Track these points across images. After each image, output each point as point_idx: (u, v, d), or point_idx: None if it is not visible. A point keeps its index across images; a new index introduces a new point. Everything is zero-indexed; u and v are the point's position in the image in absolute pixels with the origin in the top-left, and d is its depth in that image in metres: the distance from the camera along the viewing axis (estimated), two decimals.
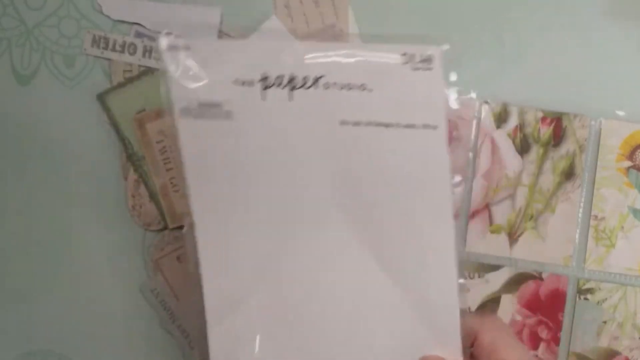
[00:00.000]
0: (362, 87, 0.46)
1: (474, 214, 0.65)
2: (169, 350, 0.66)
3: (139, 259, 0.66)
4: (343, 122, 0.47)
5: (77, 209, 0.66)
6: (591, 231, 0.65)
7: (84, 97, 0.66)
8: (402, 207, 0.48)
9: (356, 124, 0.46)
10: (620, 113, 0.64)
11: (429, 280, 0.48)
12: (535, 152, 0.65)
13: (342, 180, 0.48)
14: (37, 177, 0.66)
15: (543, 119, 0.64)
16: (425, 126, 0.46)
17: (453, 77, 0.48)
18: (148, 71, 0.65)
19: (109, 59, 0.66)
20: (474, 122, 0.65)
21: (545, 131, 0.64)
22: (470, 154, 0.65)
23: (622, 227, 0.64)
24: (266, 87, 0.46)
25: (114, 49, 0.65)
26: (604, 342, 0.64)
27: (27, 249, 0.67)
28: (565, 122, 0.64)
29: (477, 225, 0.65)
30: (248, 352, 0.50)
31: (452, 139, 0.65)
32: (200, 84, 0.46)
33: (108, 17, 0.65)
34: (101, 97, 0.65)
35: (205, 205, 0.48)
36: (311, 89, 0.46)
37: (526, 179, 0.65)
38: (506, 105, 0.64)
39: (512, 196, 0.65)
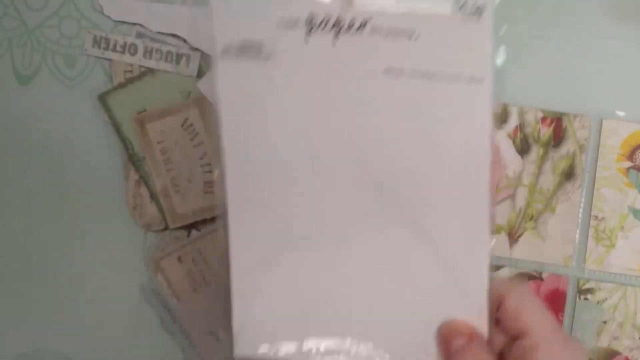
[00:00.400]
0: (410, 34, 0.44)
1: None
2: (170, 351, 0.66)
3: (139, 260, 0.66)
4: (387, 71, 0.45)
5: (78, 209, 0.66)
6: (591, 231, 0.65)
7: (84, 98, 0.66)
8: (440, 164, 0.46)
9: (400, 73, 0.45)
10: (620, 113, 0.64)
11: (461, 242, 0.47)
12: (535, 152, 0.65)
13: (379, 134, 0.46)
14: (38, 177, 0.66)
15: (543, 119, 0.64)
16: (471, 79, 0.45)
17: (503, 30, 0.47)
18: (149, 71, 0.65)
19: (109, 60, 0.66)
20: None
21: (546, 131, 0.65)
22: None
23: (622, 227, 0.64)
24: (311, 29, 0.44)
25: (114, 50, 0.65)
26: (604, 342, 0.65)
27: (28, 249, 0.67)
28: (565, 123, 0.64)
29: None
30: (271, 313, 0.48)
31: None
32: (244, 20, 0.44)
33: (109, 17, 0.65)
34: (102, 98, 0.65)
35: (239, 160, 0.46)
36: (357, 35, 0.44)
37: (526, 179, 0.65)
38: (506, 105, 0.65)
39: (512, 196, 0.65)
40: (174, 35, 0.65)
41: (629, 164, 0.64)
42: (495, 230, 0.65)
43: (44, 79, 0.66)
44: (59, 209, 0.66)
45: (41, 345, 0.67)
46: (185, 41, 0.65)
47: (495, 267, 0.65)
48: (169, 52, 0.65)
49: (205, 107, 0.64)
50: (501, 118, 0.65)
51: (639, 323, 0.65)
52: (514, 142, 0.65)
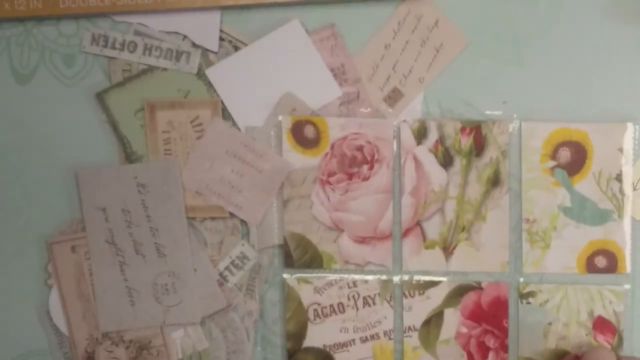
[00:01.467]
0: None
1: (406, 232, 0.65)
2: None
3: None
4: None
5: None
6: (524, 235, 0.65)
7: (82, 96, 0.66)
8: None
9: None
10: (538, 114, 0.65)
11: None
12: (458, 163, 0.65)
13: None
14: (36, 175, 0.66)
15: (462, 130, 0.65)
16: None
17: None
18: (147, 70, 0.65)
19: (108, 57, 0.65)
20: (394, 142, 0.65)
21: (466, 141, 0.65)
22: (395, 174, 0.65)
23: (555, 227, 0.65)
24: None
25: (113, 47, 0.65)
26: (551, 344, 0.65)
27: (28, 249, 0.66)
28: (484, 130, 0.65)
29: (411, 243, 0.65)
30: None
31: (375, 161, 0.65)
32: None
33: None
34: (100, 96, 0.65)
35: None
36: None
37: (453, 191, 0.65)
38: (424, 121, 0.65)
39: (441, 210, 0.65)
40: (173, 33, 0.65)
41: (553, 163, 0.65)
42: (430, 245, 0.65)
43: (42, 77, 0.66)
44: (59, 208, 0.66)
45: None
46: (184, 38, 0.65)
47: (434, 283, 0.65)
48: (168, 49, 0.65)
49: (217, 110, 0.65)
50: (420, 134, 0.65)
51: (584, 320, 0.65)
52: (436, 156, 0.65)
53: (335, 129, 0.65)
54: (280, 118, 0.65)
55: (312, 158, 0.65)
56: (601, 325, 0.65)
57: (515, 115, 0.65)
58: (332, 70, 0.65)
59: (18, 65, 0.66)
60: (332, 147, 0.65)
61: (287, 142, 0.65)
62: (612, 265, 0.65)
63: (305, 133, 0.65)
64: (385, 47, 0.65)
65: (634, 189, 0.64)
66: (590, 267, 0.65)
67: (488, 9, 0.65)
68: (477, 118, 0.65)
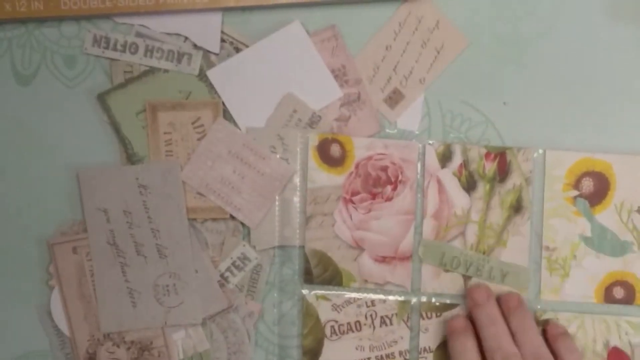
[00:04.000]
0: None
1: None
2: None
3: None
4: None
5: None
6: (544, 262, 0.64)
7: (84, 98, 0.66)
8: None
9: None
10: (564, 143, 0.65)
11: None
12: (482, 188, 0.65)
13: None
14: (38, 176, 0.67)
15: (487, 155, 0.64)
16: None
17: None
18: (149, 71, 0.66)
19: (109, 59, 0.66)
20: (419, 164, 0.65)
21: (490, 167, 0.64)
22: (418, 196, 0.65)
23: (575, 256, 0.64)
24: None
25: (114, 49, 0.66)
26: None
27: (29, 250, 0.67)
28: (509, 156, 0.64)
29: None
30: None
31: (399, 182, 0.65)
32: None
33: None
34: (101, 97, 0.66)
35: None
36: None
37: (475, 216, 0.65)
38: (449, 144, 0.64)
39: (462, 234, 0.65)
40: (175, 34, 0.65)
41: (575, 192, 0.64)
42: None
43: (43, 79, 0.66)
44: (58, 208, 0.67)
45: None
46: (186, 40, 0.65)
47: (452, 306, 0.65)
48: (170, 50, 0.65)
49: (218, 111, 0.65)
50: (445, 157, 0.65)
51: (599, 350, 0.64)
52: (459, 180, 0.65)
53: (360, 148, 0.65)
54: (307, 135, 0.65)
55: (336, 176, 0.65)
56: (616, 356, 0.64)
57: (540, 143, 0.65)
58: (333, 71, 0.65)
59: (19, 67, 0.66)
60: (357, 166, 0.65)
61: (313, 159, 0.65)
62: (630, 296, 0.64)
63: (331, 152, 0.65)
64: (386, 48, 0.65)
65: None
66: (608, 297, 0.64)
67: (489, 9, 0.64)
68: (479, 119, 0.65)
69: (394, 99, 0.65)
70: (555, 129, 0.65)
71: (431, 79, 0.65)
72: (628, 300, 0.64)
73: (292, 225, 0.66)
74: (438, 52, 0.65)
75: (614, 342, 0.64)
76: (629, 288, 0.64)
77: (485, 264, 0.64)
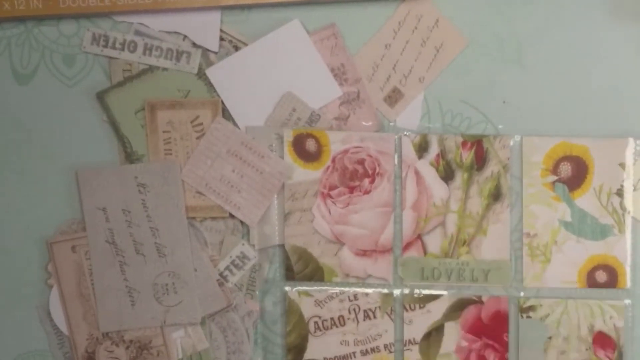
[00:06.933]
0: None
1: (407, 246, 0.64)
2: None
3: None
4: None
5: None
6: (525, 249, 0.64)
7: (83, 96, 0.66)
8: None
9: None
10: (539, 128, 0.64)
11: None
12: (460, 177, 0.64)
13: None
14: (37, 175, 0.67)
15: (464, 144, 0.64)
16: None
17: None
18: (148, 70, 0.66)
19: (108, 57, 0.66)
20: (396, 156, 0.64)
21: (467, 155, 0.64)
22: (396, 188, 0.64)
23: (556, 242, 0.63)
24: None
25: (113, 47, 0.66)
26: (552, 358, 0.64)
27: (29, 249, 0.67)
28: (486, 144, 0.64)
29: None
30: None
31: (376, 174, 0.64)
32: None
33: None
34: (100, 96, 0.66)
35: None
36: None
37: (454, 205, 0.64)
38: (425, 135, 0.64)
39: (442, 224, 0.64)
40: (174, 33, 0.65)
41: (554, 177, 0.63)
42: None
43: (42, 78, 0.67)
44: (58, 207, 0.67)
45: None
46: (185, 38, 0.65)
47: (435, 297, 0.65)
48: (169, 49, 0.65)
49: (217, 110, 0.65)
50: (422, 148, 0.64)
51: (584, 335, 0.63)
52: (437, 170, 0.64)
53: (336, 142, 0.64)
54: (282, 131, 0.65)
55: (313, 171, 0.65)
56: (601, 340, 0.63)
57: (516, 130, 0.64)
58: (332, 70, 0.65)
59: (18, 66, 0.67)
60: (334, 160, 0.64)
61: (289, 155, 0.65)
62: (613, 280, 0.63)
63: (306, 146, 0.65)
64: (386, 47, 0.64)
65: (634, 190, 0.63)
66: (591, 281, 0.63)
67: (488, 9, 0.63)
68: (479, 118, 0.64)
69: (394, 97, 0.65)
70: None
71: (431, 78, 0.64)
72: (611, 283, 0.63)
73: (270, 223, 0.65)
74: (437, 51, 0.64)
75: (599, 326, 0.63)
76: (611, 271, 0.63)
77: (466, 268, 0.64)
